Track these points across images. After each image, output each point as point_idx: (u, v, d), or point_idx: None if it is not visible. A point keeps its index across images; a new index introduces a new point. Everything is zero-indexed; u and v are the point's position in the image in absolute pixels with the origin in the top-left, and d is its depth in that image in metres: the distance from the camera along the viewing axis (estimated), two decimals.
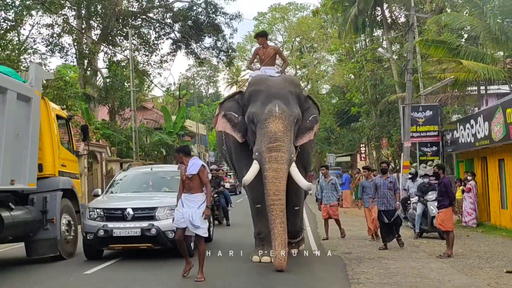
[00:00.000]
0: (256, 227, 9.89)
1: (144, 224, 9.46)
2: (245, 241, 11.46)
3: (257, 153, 8.91)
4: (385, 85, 29.49)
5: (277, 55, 11.05)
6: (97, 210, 9.87)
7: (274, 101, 8.95)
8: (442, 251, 10.31)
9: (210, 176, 8.53)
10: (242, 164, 9.95)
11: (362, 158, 36.50)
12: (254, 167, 8.91)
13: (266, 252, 9.30)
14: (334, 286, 7.47)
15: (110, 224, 9.54)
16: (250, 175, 8.94)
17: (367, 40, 33.01)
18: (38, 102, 9.80)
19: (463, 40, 21.94)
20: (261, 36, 10.82)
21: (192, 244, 8.81)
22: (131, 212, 9.59)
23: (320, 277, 8.22)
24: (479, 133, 14.07)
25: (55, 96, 18.03)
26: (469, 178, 15.06)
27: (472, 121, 14.63)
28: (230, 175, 32.42)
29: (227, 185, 26.94)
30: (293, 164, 8.94)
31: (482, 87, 20.34)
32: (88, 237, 9.73)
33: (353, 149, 40.66)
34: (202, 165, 7.89)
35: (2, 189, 8.68)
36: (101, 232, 9.48)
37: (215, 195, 15.14)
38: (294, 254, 9.87)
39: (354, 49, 34.94)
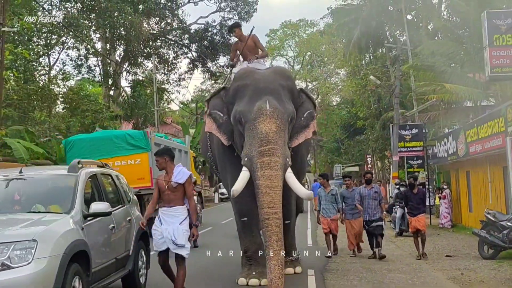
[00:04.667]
0: (243, 243, 9.09)
1: None
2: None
3: (246, 159, 7.95)
4: (389, 100, 32.81)
5: (256, 44, 10.00)
6: None
7: (264, 97, 8.05)
8: (411, 245, 12.87)
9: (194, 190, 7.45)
10: (227, 173, 9.09)
11: (369, 168, 39.86)
12: (244, 175, 7.95)
13: (254, 273, 8.53)
14: (315, 261, 10.71)
15: None
16: (239, 184, 7.92)
17: (371, 57, 36.37)
18: (189, 153, 20.14)
19: (453, 63, 25.15)
20: (236, 26, 10.11)
21: None
22: None
23: (304, 257, 10.80)
24: (450, 149, 17.46)
25: (94, 118, 21.71)
26: (444, 187, 18.44)
27: (445, 139, 18.01)
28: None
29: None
30: (289, 170, 7.98)
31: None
32: None
33: (363, 159, 43.98)
34: (190, 175, 7.05)
35: None
36: None
37: None
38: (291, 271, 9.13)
39: (362, 64, 38.24)
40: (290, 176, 7.98)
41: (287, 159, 7.95)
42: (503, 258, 10.83)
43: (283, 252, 7.51)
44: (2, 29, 15.37)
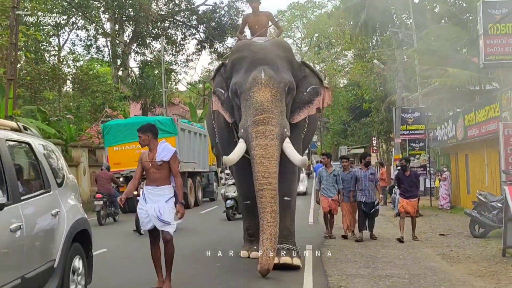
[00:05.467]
0: (245, 223, 9.34)
1: None
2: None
3: (242, 130, 7.83)
4: (392, 83, 33.25)
5: (269, 22, 9.86)
6: None
7: (259, 67, 7.91)
8: (408, 224, 12.52)
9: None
10: (229, 152, 8.30)
11: (374, 151, 40.46)
12: (240, 146, 7.82)
13: (255, 247, 8.52)
14: (313, 238, 11.45)
15: None
16: (235, 154, 7.83)
17: (377, 40, 36.70)
18: (208, 136, 19.91)
19: (458, 48, 25.57)
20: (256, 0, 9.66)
21: None
22: None
23: (304, 234, 11.98)
24: (449, 133, 18.05)
25: (104, 99, 22.40)
26: (444, 169, 19.05)
27: (446, 123, 18.58)
28: None
29: None
30: (287, 140, 7.81)
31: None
32: None
33: (369, 142, 44.52)
34: (175, 151, 6.61)
35: (205, 171, 22.41)
36: None
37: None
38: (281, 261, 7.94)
39: (369, 46, 38.60)
40: (288, 146, 7.82)
41: (285, 129, 7.82)
42: (492, 237, 11.46)
43: (277, 225, 7.37)
44: (16, 12, 15.99)
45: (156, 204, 6.40)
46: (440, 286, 7.25)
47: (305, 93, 8.48)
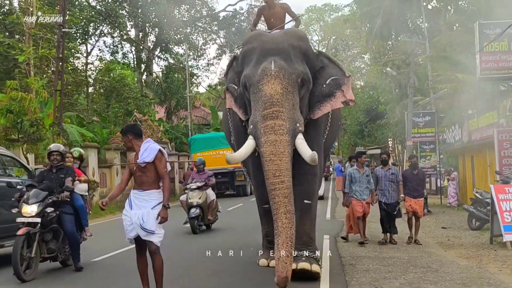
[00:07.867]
0: (264, 228, 8.82)
1: None
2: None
3: (251, 125, 7.26)
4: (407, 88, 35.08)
5: (287, 14, 9.25)
6: None
7: (270, 58, 7.34)
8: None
9: (169, 166, 6.48)
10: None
11: (390, 151, 42.38)
12: (249, 143, 7.24)
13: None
14: (331, 229, 13.42)
15: None
16: (241, 152, 7.31)
17: (393, 44, 38.49)
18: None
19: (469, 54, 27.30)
20: None
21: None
22: None
23: (322, 226, 13.85)
24: (456, 136, 19.97)
25: (135, 105, 24.62)
26: (452, 169, 20.96)
27: (453, 127, 20.49)
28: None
29: None
30: (300, 136, 7.16)
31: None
32: None
33: (385, 143, 46.37)
34: (160, 150, 6.23)
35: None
36: None
37: (49, 210, 8.38)
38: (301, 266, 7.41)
39: (386, 48, 40.38)
40: (301, 142, 7.14)
41: (297, 124, 7.17)
42: (487, 230, 13.28)
43: (293, 227, 6.66)
44: (63, 29, 18.20)
45: (141, 211, 6.07)
46: (432, 265, 9.19)
47: (324, 86, 7.88)
